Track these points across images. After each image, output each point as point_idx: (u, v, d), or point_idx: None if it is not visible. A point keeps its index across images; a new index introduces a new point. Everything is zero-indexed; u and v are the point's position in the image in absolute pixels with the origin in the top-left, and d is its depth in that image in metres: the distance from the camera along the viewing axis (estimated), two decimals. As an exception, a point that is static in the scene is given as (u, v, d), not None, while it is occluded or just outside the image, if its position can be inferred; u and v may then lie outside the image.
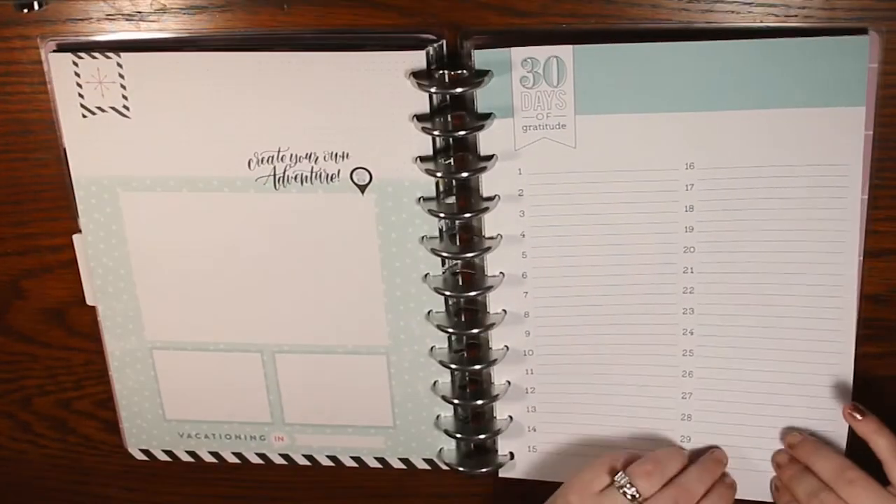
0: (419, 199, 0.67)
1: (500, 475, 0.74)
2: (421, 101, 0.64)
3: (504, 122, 0.65)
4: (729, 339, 0.68)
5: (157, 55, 0.65)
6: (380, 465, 0.76)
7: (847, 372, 0.67)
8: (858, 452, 0.66)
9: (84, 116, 0.67)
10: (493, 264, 0.69)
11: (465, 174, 0.66)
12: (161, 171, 0.68)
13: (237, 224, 0.69)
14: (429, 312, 0.70)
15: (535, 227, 0.68)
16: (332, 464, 0.77)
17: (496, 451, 0.74)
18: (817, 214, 0.65)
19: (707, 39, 0.62)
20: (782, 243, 0.66)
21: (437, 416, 0.74)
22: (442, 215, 0.67)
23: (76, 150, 0.69)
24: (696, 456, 0.70)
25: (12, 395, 0.77)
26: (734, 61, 0.62)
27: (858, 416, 0.66)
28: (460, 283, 0.69)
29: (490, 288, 0.69)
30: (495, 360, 0.70)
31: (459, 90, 0.63)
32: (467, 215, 0.67)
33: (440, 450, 0.75)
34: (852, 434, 0.67)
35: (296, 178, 0.67)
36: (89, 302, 0.74)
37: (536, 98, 0.65)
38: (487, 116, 0.65)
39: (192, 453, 0.78)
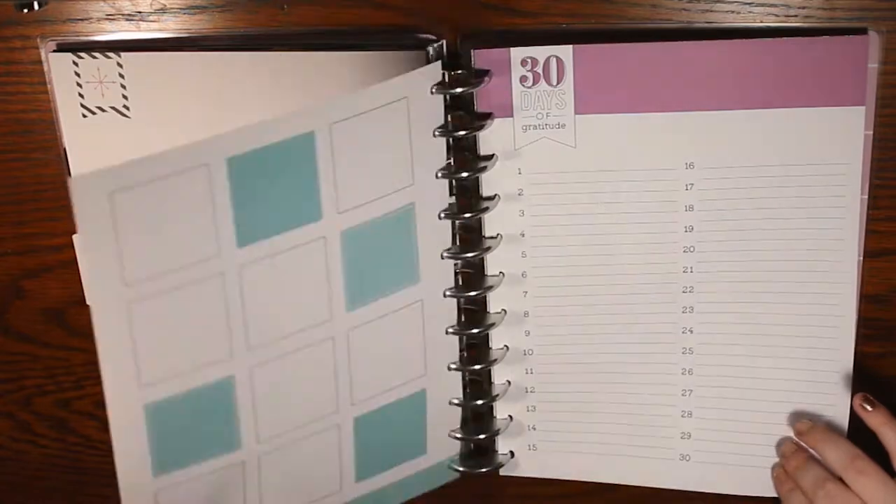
0: (419, 198, 0.67)
1: (501, 474, 0.74)
2: (421, 101, 0.64)
3: (504, 121, 0.65)
4: (728, 338, 0.68)
5: (157, 55, 0.65)
6: (380, 465, 0.76)
7: (847, 371, 0.67)
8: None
9: (84, 116, 0.67)
10: (492, 264, 0.69)
11: (464, 174, 0.66)
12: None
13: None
14: (429, 312, 0.70)
15: (535, 226, 0.68)
16: (332, 463, 0.77)
17: (496, 450, 0.74)
18: (817, 214, 0.65)
19: (707, 39, 0.62)
20: (782, 243, 0.66)
21: (438, 416, 0.74)
22: (442, 215, 0.67)
23: (76, 150, 0.69)
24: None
25: (12, 395, 0.77)
26: (734, 61, 0.62)
27: (869, 407, 0.65)
28: (460, 282, 0.69)
29: (490, 287, 0.69)
30: (495, 359, 0.70)
31: (459, 90, 0.63)
32: (467, 215, 0.67)
33: (440, 449, 0.75)
34: (852, 433, 0.67)
35: (296, 177, 0.67)
36: (89, 302, 0.73)
37: (536, 98, 0.65)
38: (487, 116, 0.65)
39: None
